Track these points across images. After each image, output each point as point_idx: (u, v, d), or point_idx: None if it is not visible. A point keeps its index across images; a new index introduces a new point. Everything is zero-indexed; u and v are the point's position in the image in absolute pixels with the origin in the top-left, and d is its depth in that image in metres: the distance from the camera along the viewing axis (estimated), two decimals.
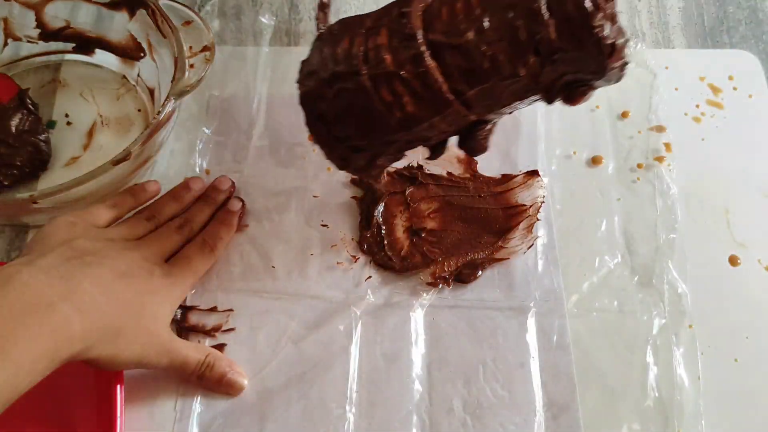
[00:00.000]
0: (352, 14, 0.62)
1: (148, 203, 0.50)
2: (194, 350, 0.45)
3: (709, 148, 0.57)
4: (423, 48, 0.39)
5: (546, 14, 0.37)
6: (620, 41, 0.38)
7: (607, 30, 0.37)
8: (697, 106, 0.59)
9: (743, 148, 0.57)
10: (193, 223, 0.50)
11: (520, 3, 0.38)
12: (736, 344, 0.49)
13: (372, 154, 0.44)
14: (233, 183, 0.54)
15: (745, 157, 0.56)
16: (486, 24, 0.38)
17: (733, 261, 0.52)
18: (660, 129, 0.57)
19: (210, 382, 0.46)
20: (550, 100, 0.41)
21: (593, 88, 0.41)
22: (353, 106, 0.41)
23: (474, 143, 0.44)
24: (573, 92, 0.40)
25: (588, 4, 0.37)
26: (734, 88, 0.60)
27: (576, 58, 0.38)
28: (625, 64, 0.39)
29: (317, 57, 0.43)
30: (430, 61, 0.39)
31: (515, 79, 0.39)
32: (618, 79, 0.40)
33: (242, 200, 0.53)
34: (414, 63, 0.39)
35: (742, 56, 0.62)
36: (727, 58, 0.62)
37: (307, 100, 0.44)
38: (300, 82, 0.44)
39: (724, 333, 0.49)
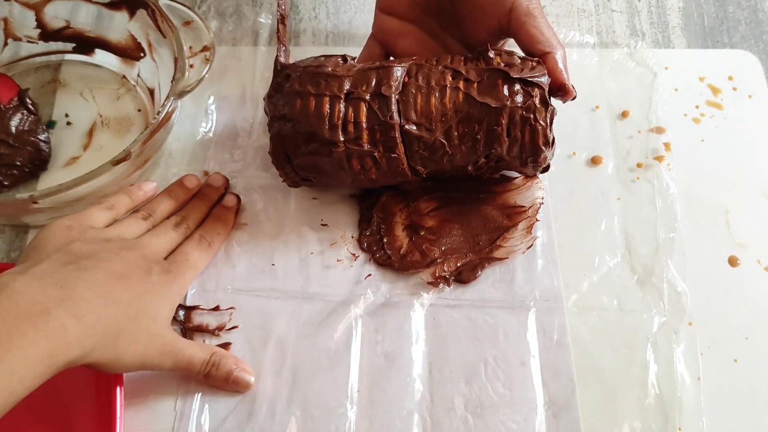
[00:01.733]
0: (351, 14, 0.63)
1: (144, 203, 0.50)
2: (199, 349, 0.45)
3: (708, 149, 0.57)
4: (397, 138, 0.46)
5: (504, 135, 0.46)
6: (551, 159, 0.49)
7: (549, 157, 0.48)
8: (697, 106, 0.59)
9: (743, 149, 0.57)
10: (190, 220, 0.50)
11: (486, 120, 0.46)
12: (736, 344, 0.48)
13: (319, 183, 0.52)
14: (227, 180, 0.54)
15: (745, 157, 0.56)
16: (453, 130, 0.46)
17: (732, 261, 0.52)
18: (660, 130, 0.57)
19: (217, 381, 0.46)
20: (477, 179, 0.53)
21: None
22: (323, 162, 0.48)
23: (409, 186, 0.53)
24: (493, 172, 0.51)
25: (542, 142, 0.46)
26: (734, 89, 0.60)
27: (515, 165, 0.49)
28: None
29: (296, 104, 0.47)
30: (400, 150, 0.47)
31: (463, 170, 0.49)
32: None
33: (237, 196, 0.53)
34: (386, 147, 0.47)
35: (742, 56, 0.62)
36: (727, 58, 0.62)
37: (279, 140, 0.48)
38: (272, 118, 0.48)
39: (724, 333, 0.49)
